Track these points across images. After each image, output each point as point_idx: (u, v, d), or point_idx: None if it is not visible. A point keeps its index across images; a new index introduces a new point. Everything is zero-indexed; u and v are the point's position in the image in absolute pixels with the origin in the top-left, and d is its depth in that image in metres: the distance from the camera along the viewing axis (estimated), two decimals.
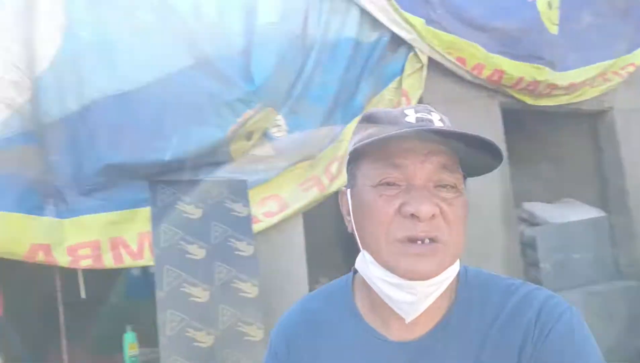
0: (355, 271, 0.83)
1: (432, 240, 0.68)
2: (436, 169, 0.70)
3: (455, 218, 0.70)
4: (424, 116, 0.72)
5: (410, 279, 0.68)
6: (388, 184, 0.70)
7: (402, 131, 0.68)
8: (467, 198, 0.73)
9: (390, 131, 0.68)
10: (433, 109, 0.75)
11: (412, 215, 0.68)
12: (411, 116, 0.72)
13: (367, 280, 0.75)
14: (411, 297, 0.69)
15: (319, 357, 0.80)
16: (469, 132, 0.67)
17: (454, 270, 0.73)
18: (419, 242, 0.68)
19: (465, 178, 0.75)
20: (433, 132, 0.69)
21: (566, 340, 0.68)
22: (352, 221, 0.76)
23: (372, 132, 0.71)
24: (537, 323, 0.70)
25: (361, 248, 0.75)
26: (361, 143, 0.71)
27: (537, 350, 0.68)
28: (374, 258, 0.72)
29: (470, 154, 0.71)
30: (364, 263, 0.74)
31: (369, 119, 0.76)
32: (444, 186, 0.70)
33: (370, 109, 0.78)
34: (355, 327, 0.79)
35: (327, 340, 0.80)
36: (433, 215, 0.68)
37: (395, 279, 0.69)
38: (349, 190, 0.77)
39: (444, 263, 0.69)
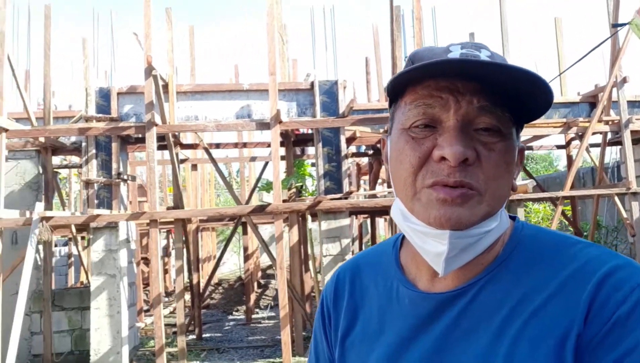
0: None
1: (465, 187, 0.61)
2: (475, 109, 0.62)
3: (496, 165, 0.62)
4: (469, 52, 0.64)
5: (440, 226, 0.62)
6: (421, 126, 0.64)
7: (424, 63, 0.60)
8: (515, 144, 0.66)
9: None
10: (484, 46, 0.66)
11: (443, 159, 0.61)
12: (455, 52, 0.64)
13: (402, 231, 0.71)
14: (441, 247, 0.63)
15: (362, 301, 0.79)
16: (512, 64, 0.59)
17: (496, 225, 0.65)
18: (450, 188, 0.61)
19: (515, 122, 0.66)
20: (462, 63, 0.60)
21: (632, 327, 0.55)
22: (389, 168, 0.70)
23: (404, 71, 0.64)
24: (595, 302, 0.58)
25: (395, 196, 0.69)
26: (391, 79, 0.65)
27: (590, 338, 0.57)
28: (406, 206, 0.66)
29: (520, 95, 0.62)
30: (397, 212, 0.69)
31: (413, 58, 0.69)
32: (485, 130, 0.63)
33: (416, 50, 0.71)
34: (393, 277, 0.76)
35: (369, 286, 0.79)
36: (467, 159, 0.61)
37: (425, 227, 0.64)
38: (388, 135, 0.72)
39: (477, 212, 0.62)
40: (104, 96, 6.68)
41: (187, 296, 10.35)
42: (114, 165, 6.66)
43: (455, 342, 0.66)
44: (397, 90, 0.67)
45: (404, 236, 0.79)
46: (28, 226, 5.83)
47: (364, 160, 10.45)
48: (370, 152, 9.47)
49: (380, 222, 14.80)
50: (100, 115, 6.49)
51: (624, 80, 7.55)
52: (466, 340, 0.65)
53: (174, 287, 12.29)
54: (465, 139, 0.61)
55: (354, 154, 9.48)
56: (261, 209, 6.25)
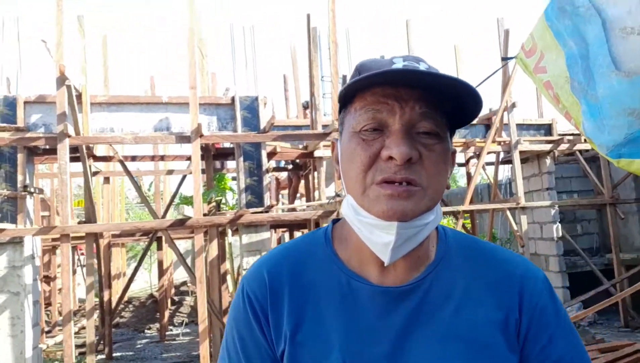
0: (335, 222, 0.86)
1: (409, 183, 0.70)
2: (417, 115, 0.70)
3: (435, 164, 0.71)
4: (410, 64, 0.72)
5: (388, 219, 0.69)
6: (370, 129, 0.72)
7: (373, 73, 0.68)
8: (450, 147, 0.75)
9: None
10: (423, 59, 0.74)
11: (390, 158, 0.69)
12: (398, 64, 0.72)
13: (351, 224, 0.77)
14: (389, 237, 0.70)
15: (307, 296, 0.79)
16: (448, 74, 0.68)
17: (434, 217, 0.74)
18: (396, 184, 0.69)
19: (450, 127, 0.76)
20: (405, 73, 0.69)
21: (550, 310, 0.78)
22: (340, 168, 0.78)
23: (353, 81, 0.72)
24: (523, 294, 0.78)
25: (346, 193, 0.77)
26: (342, 89, 0.73)
27: (525, 324, 0.77)
28: (356, 201, 0.74)
29: (453, 102, 0.71)
30: (348, 207, 0.76)
31: (360, 69, 0.76)
32: (426, 133, 0.71)
33: (362, 60, 0.78)
34: (337, 272, 0.79)
35: (314, 281, 0.80)
36: (411, 159, 0.69)
37: (374, 220, 0.71)
38: (338, 139, 0.80)
39: (419, 205, 0.70)
40: (9, 104, 6.30)
41: (96, 315, 9.82)
42: (20, 177, 6.28)
43: (416, 331, 0.75)
44: (347, 97, 0.75)
45: (332, 232, 0.85)
46: None
47: (283, 174, 10.67)
48: (290, 167, 9.69)
49: (299, 235, 14.99)
50: (4, 125, 6.11)
51: (514, 105, 8.48)
52: (426, 328, 0.75)
53: (79, 306, 11.58)
54: (410, 141, 0.70)
55: (274, 169, 9.67)
56: (181, 224, 6.21)
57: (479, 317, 0.76)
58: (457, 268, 0.79)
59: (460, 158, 10.27)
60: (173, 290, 13.68)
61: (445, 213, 10.87)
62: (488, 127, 8.90)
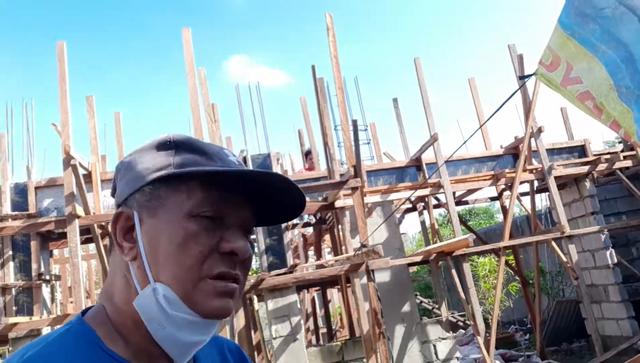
0: (83, 314, 0.69)
1: (235, 280, 0.67)
2: (250, 214, 0.71)
3: (250, 262, 0.71)
4: (239, 160, 0.73)
5: (217, 317, 0.66)
6: (208, 217, 0.67)
7: (242, 170, 0.68)
8: None
9: (218, 165, 0.69)
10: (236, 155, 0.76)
11: (231, 253, 0.67)
12: (231, 157, 0.72)
13: (146, 322, 0.65)
14: (199, 337, 0.67)
15: None
16: (287, 178, 0.71)
17: None
18: (229, 280, 0.66)
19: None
20: (276, 177, 0.69)
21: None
22: (142, 248, 0.66)
23: (200, 160, 0.69)
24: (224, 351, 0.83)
25: (151, 282, 0.64)
26: (198, 169, 0.67)
27: None
28: (179, 293, 0.64)
29: (275, 205, 0.73)
30: (154, 298, 0.64)
31: (182, 145, 0.70)
32: (249, 231, 0.72)
33: (176, 135, 0.72)
34: None
35: None
36: (247, 257, 0.69)
37: (194, 317, 0.65)
38: (136, 213, 0.68)
39: (237, 303, 0.74)
40: (20, 191, 6.25)
41: None
42: (34, 265, 6.12)
43: None
44: (175, 175, 0.67)
45: (89, 333, 0.66)
46: None
47: (310, 230, 10.30)
48: (313, 221, 9.35)
49: (334, 293, 14.44)
50: (15, 213, 6.03)
51: (540, 130, 8.03)
52: None
53: None
54: (245, 238, 0.69)
55: (294, 226, 9.33)
56: None
57: None
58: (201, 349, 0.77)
59: (492, 191, 9.74)
60: None
61: (485, 252, 10.23)
62: (516, 156, 8.44)
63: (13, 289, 6.03)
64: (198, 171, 0.67)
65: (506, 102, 3.77)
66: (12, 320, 5.39)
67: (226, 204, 0.68)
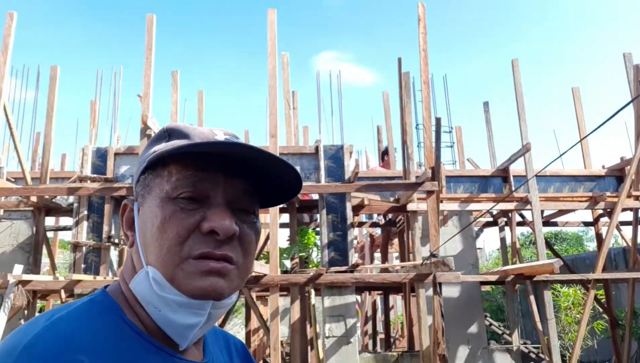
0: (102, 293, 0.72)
1: (226, 260, 0.66)
2: (240, 191, 0.69)
3: (249, 243, 0.69)
4: (232, 139, 0.71)
5: (204, 297, 0.65)
6: (187, 198, 0.66)
7: (208, 142, 0.67)
8: (260, 226, 0.73)
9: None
10: (238, 136, 0.75)
11: (212, 232, 0.65)
12: (220, 136, 0.71)
13: (144, 305, 0.68)
14: (195, 319, 0.66)
15: None
16: (271, 153, 0.67)
17: (235, 296, 0.72)
18: (215, 261, 0.65)
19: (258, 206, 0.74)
20: (250, 149, 0.66)
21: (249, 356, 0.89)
22: (137, 235, 0.70)
23: (181, 144, 0.67)
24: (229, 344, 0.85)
25: (144, 265, 0.67)
26: (170, 149, 0.66)
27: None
28: (165, 276, 0.65)
29: (270, 182, 0.71)
30: (147, 282, 0.67)
31: (173, 133, 0.71)
32: (244, 211, 0.70)
33: (171, 124, 0.74)
34: (146, 350, 0.65)
35: None
36: (233, 235, 0.66)
37: (183, 298, 0.65)
38: (136, 203, 0.72)
39: (233, 284, 0.68)
40: (101, 156, 6.47)
41: None
42: (105, 228, 6.31)
43: None
44: (159, 160, 0.68)
45: (113, 305, 0.69)
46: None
47: (378, 231, 9.90)
48: (382, 222, 8.96)
49: (398, 300, 13.93)
50: (94, 175, 6.25)
51: None
52: None
53: None
54: (231, 216, 0.67)
55: (361, 224, 8.98)
56: (255, 281, 5.72)
57: None
58: (212, 340, 0.80)
59: (587, 215, 8.77)
60: (268, 350, 13.18)
61: (572, 281, 9.24)
62: (620, 179, 7.49)
63: (84, 247, 6.26)
64: (163, 151, 0.66)
65: (615, 115, 3.19)
66: (76, 276, 5.58)
67: (205, 183, 0.67)
